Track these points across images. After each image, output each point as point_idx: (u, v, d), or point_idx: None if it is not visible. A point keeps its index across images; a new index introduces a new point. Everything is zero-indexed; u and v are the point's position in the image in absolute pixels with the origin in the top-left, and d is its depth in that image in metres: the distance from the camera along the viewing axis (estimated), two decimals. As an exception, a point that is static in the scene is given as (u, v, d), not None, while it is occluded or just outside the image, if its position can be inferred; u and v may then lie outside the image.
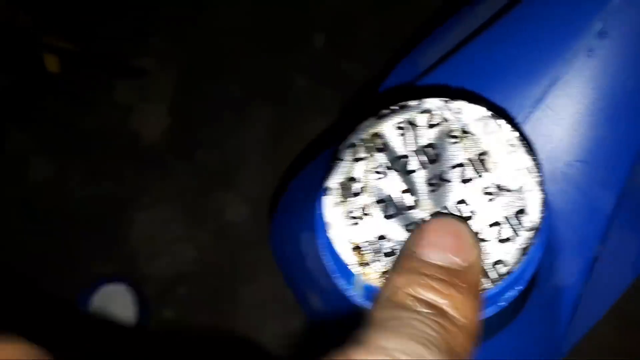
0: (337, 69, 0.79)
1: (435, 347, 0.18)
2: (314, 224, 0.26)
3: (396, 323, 0.19)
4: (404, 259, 0.21)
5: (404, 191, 0.24)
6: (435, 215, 0.23)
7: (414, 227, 0.23)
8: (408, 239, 0.22)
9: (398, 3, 0.78)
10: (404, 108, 0.25)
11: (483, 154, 0.24)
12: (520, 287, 0.25)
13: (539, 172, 0.23)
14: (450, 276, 0.20)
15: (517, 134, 0.23)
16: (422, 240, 0.21)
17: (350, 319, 0.23)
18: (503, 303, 0.25)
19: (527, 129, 0.28)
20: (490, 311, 0.25)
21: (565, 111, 0.28)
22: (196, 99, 0.80)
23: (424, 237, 0.21)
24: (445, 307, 0.19)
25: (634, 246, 0.34)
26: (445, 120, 0.24)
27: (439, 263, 0.20)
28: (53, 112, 0.78)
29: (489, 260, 0.23)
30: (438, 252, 0.20)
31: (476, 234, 0.22)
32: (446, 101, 0.24)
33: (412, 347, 0.18)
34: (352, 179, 0.24)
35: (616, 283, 0.34)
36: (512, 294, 0.25)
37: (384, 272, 0.23)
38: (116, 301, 0.74)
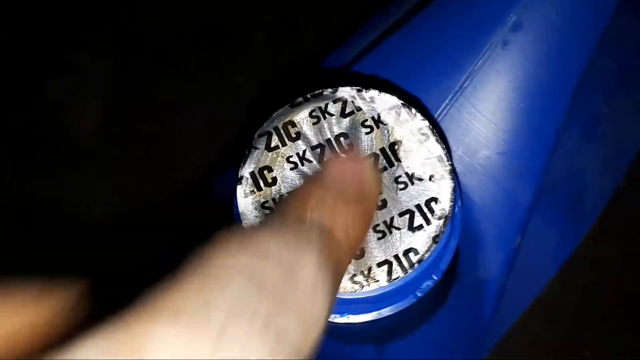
0: (278, 66, 0.79)
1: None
2: (233, 216, 0.25)
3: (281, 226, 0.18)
4: (302, 185, 0.20)
5: None
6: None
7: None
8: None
9: (340, 1, 0.78)
10: (318, 96, 0.24)
11: (395, 143, 0.23)
12: (436, 278, 0.25)
13: (449, 160, 0.23)
14: (346, 203, 0.19)
15: (427, 123, 0.23)
16: (323, 172, 0.20)
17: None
18: (419, 294, 0.25)
19: (446, 121, 0.28)
20: (407, 302, 0.25)
21: (482, 103, 0.28)
22: (132, 95, 0.78)
23: (325, 169, 0.20)
24: (334, 231, 0.18)
25: (552, 238, 0.34)
26: (359, 109, 0.24)
27: (336, 191, 0.19)
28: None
29: (400, 248, 0.22)
30: (338, 182, 0.19)
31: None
32: (359, 90, 0.24)
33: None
34: (266, 168, 0.24)
35: (539, 275, 0.35)
36: (428, 284, 0.25)
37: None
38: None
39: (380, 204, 0.23)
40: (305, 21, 0.78)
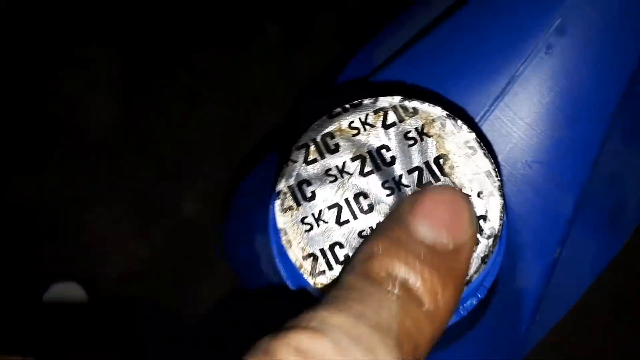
0: (292, 60, 0.77)
1: (392, 338, 0.16)
2: (267, 227, 0.24)
3: (358, 297, 0.16)
4: (390, 224, 0.19)
5: (358, 195, 0.22)
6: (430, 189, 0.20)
7: (368, 234, 0.22)
8: (400, 203, 0.20)
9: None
10: (357, 107, 0.23)
11: (440, 156, 0.22)
12: (481, 296, 0.24)
13: (498, 176, 0.22)
14: (436, 259, 0.17)
15: (474, 135, 0.22)
16: (416, 209, 0.18)
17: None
18: (463, 312, 0.24)
19: (486, 128, 0.27)
20: (451, 321, 0.24)
21: (524, 110, 0.27)
22: (145, 90, 0.77)
23: (418, 205, 0.18)
24: (419, 293, 0.17)
25: (591, 248, 0.33)
26: (401, 120, 0.23)
27: (427, 241, 0.17)
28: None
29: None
30: (430, 226, 0.18)
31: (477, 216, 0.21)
32: (402, 100, 0.23)
33: (364, 332, 0.15)
34: (304, 182, 0.23)
35: (575, 284, 0.34)
36: (472, 302, 0.24)
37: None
38: (69, 298, 0.71)
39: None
40: (319, 13, 0.76)
